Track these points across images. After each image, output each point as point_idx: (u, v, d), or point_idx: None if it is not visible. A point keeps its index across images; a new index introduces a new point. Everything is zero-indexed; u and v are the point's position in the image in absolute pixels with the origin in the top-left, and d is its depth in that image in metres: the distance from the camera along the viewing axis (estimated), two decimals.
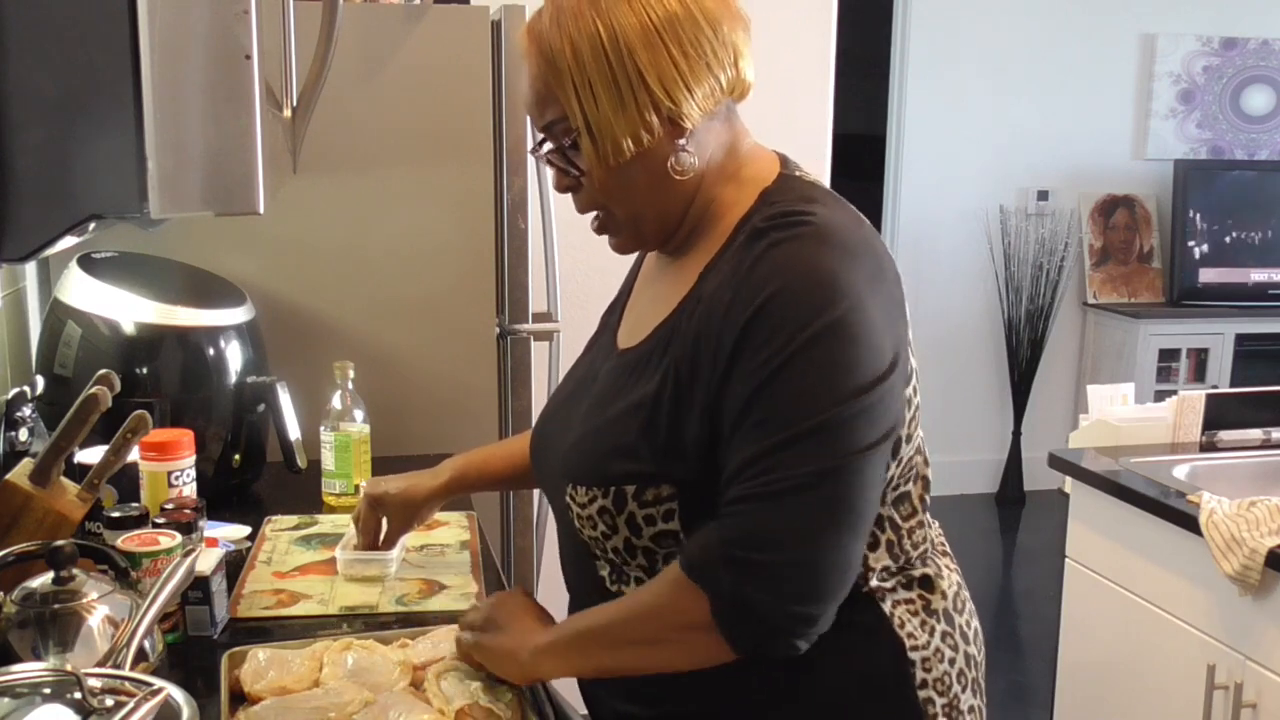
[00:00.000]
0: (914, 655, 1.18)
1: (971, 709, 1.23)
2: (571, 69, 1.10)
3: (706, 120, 1.15)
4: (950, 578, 1.25)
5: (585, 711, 1.34)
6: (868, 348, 1.07)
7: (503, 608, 1.28)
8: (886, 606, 1.18)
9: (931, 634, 1.20)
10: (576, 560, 1.26)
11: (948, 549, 1.30)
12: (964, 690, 1.22)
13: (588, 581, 1.23)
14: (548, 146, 1.18)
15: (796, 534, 1.05)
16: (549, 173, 1.24)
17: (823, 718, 1.18)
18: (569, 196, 1.21)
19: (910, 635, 1.18)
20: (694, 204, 1.18)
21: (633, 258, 1.39)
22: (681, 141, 1.14)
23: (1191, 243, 5.20)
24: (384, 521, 1.61)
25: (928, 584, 1.21)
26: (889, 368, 1.08)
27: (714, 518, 1.10)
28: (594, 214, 1.21)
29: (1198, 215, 5.21)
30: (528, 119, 2.34)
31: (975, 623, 1.27)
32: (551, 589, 2.01)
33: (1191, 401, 2.51)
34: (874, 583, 1.18)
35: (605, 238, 1.24)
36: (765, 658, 1.10)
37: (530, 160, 2.39)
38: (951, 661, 1.21)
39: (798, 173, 1.21)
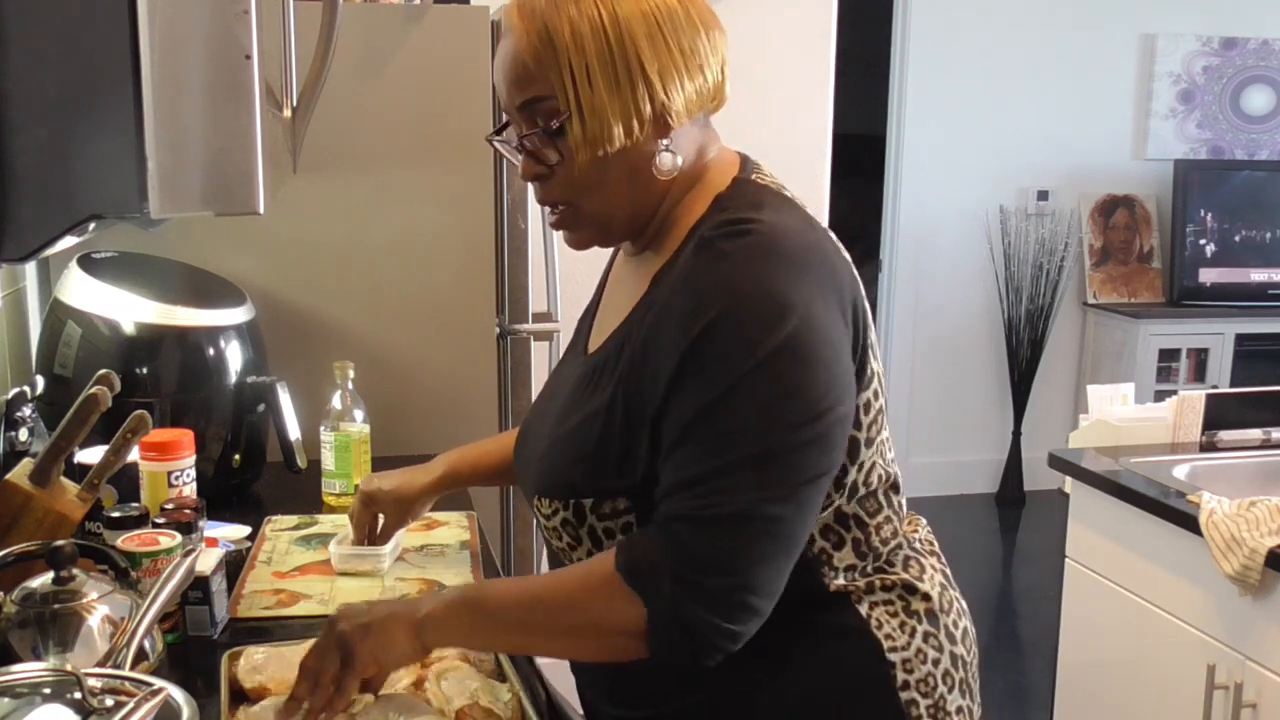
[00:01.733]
0: (893, 656, 1.17)
1: (960, 709, 1.22)
2: (569, 48, 1.08)
3: (688, 123, 1.14)
4: (934, 578, 1.23)
5: (584, 712, 1.34)
6: (820, 365, 1.06)
7: (354, 606, 1.19)
8: (863, 608, 1.17)
9: (912, 635, 1.19)
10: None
11: (935, 548, 1.29)
12: (950, 691, 1.21)
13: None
14: (510, 132, 1.16)
15: (743, 559, 1.05)
16: (510, 161, 1.21)
17: (804, 718, 1.17)
18: None
19: (888, 637, 1.17)
20: (662, 206, 1.17)
21: (605, 260, 1.39)
22: (665, 141, 1.13)
23: (1191, 243, 5.20)
24: (380, 518, 1.62)
25: (908, 586, 1.20)
26: (843, 386, 1.08)
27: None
28: (553, 207, 1.18)
29: (1198, 215, 5.21)
30: None
31: (964, 622, 1.26)
32: None
33: (1191, 401, 2.51)
34: (839, 581, 1.17)
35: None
36: (683, 663, 1.10)
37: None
38: (935, 662, 1.19)
39: (754, 175, 1.19)
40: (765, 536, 1.05)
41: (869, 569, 1.19)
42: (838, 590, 1.17)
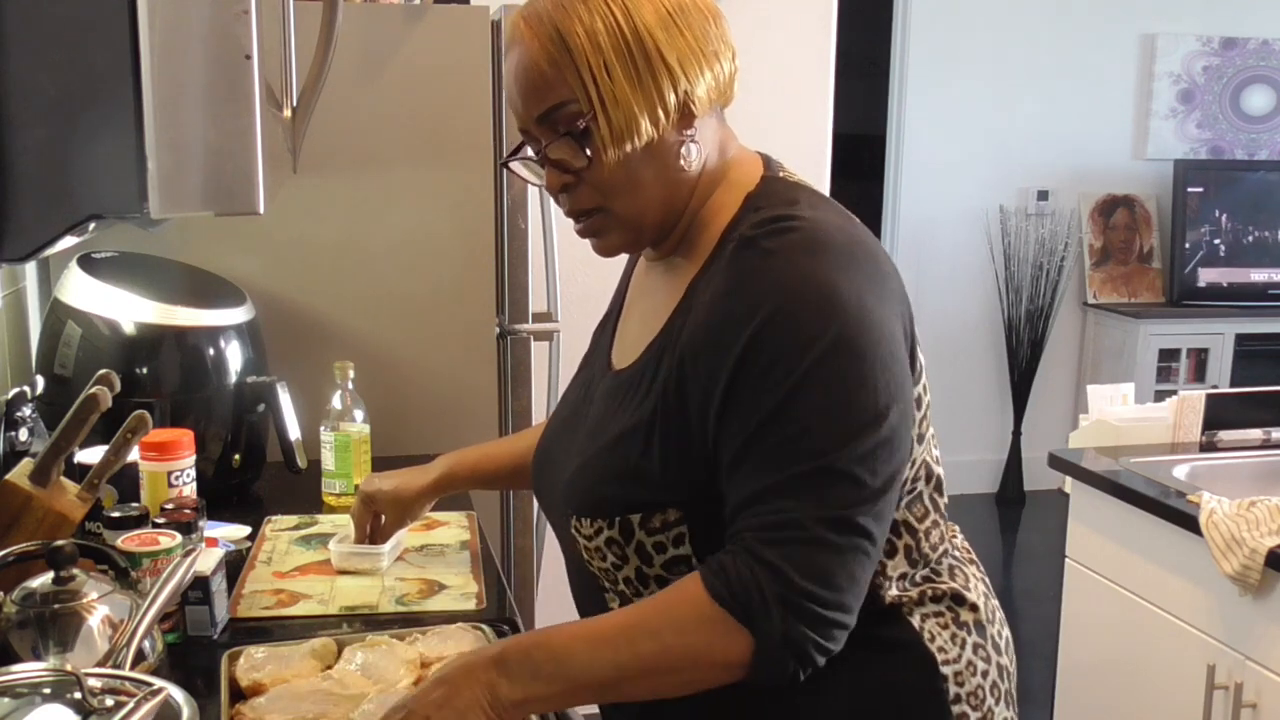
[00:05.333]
0: (946, 670, 1.15)
1: None
2: (585, 48, 1.06)
3: (706, 115, 1.13)
4: (978, 588, 1.21)
5: (585, 712, 1.33)
6: (878, 361, 1.04)
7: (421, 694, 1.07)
8: (915, 620, 1.15)
9: (963, 647, 1.16)
10: (586, 593, 1.22)
11: (974, 556, 1.27)
12: (998, 703, 1.19)
13: (599, 614, 1.18)
14: (526, 150, 1.14)
15: (839, 577, 1.02)
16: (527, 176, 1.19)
17: None
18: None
19: (941, 649, 1.15)
20: (690, 206, 1.15)
21: (623, 265, 1.37)
22: (690, 132, 1.11)
23: (1191, 243, 5.20)
24: (381, 518, 1.63)
25: (957, 597, 1.18)
26: (901, 380, 1.05)
27: (726, 540, 1.06)
28: (582, 214, 1.15)
29: (1198, 215, 5.21)
30: None
31: (1006, 632, 1.24)
32: (552, 589, 2.02)
33: (1191, 401, 2.51)
34: (893, 591, 1.15)
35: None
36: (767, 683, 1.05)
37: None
38: (984, 674, 1.17)
39: (781, 174, 1.18)
40: (855, 550, 1.02)
41: (918, 578, 1.17)
42: (892, 601, 1.15)
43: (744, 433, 1.04)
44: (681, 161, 1.12)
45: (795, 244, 1.06)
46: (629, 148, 1.08)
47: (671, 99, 1.08)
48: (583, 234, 1.17)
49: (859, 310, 1.04)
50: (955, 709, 1.15)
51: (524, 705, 1.04)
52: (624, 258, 1.34)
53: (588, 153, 1.09)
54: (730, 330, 1.05)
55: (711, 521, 1.09)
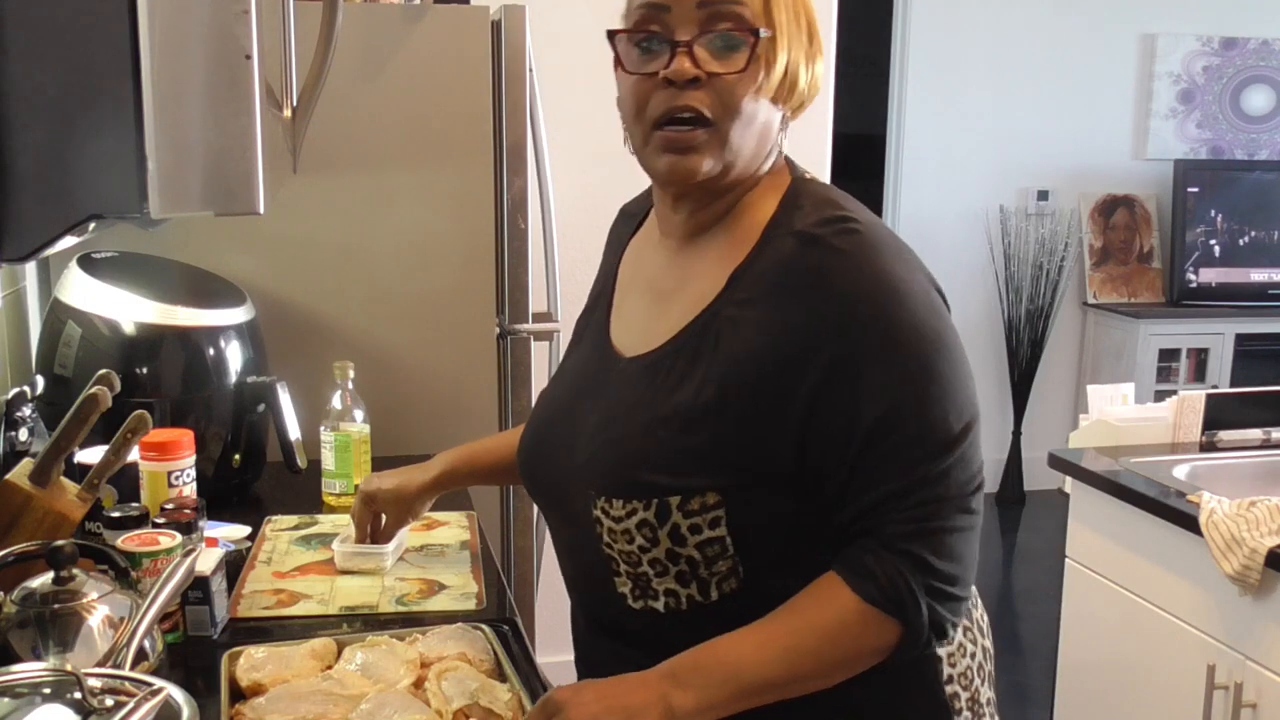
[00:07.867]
0: (940, 651, 1.19)
1: (989, 701, 1.25)
2: None
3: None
4: None
5: None
6: (957, 348, 1.10)
7: (580, 690, 1.07)
8: None
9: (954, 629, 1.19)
10: (592, 577, 1.21)
11: None
12: (983, 684, 1.23)
13: (605, 600, 1.19)
14: (663, 29, 1.11)
15: (967, 558, 1.10)
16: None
17: (855, 713, 1.16)
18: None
19: None
20: (746, 182, 1.18)
21: (599, 257, 1.37)
22: (788, 114, 1.18)
23: (1191, 243, 5.20)
24: (382, 518, 1.63)
25: None
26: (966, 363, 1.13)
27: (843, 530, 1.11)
28: (687, 119, 1.10)
29: (1198, 215, 5.21)
30: (526, 117, 2.33)
31: (986, 616, 1.29)
32: (551, 589, 2.02)
33: (1191, 401, 2.51)
34: None
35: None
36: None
37: (530, 160, 2.38)
38: (972, 655, 1.22)
39: (808, 175, 1.22)
40: (974, 528, 1.10)
41: None
42: None
43: (855, 440, 1.07)
44: (776, 135, 1.18)
45: (862, 244, 1.10)
46: (773, 80, 1.12)
47: (804, 76, 1.15)
48: (673, 143, 1.12)
49: (933, 303, 1.10)
50: (948, 689, 1.19)
51: (698, 713, 1.06)
52: (603, 245, 1.37)
53: (741, 62, 1.10)
54: (825, 333, 1.07)
55: (748, 503, 1.10)
